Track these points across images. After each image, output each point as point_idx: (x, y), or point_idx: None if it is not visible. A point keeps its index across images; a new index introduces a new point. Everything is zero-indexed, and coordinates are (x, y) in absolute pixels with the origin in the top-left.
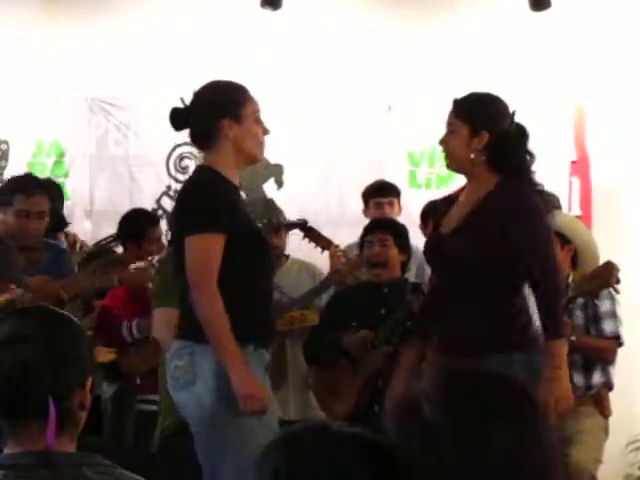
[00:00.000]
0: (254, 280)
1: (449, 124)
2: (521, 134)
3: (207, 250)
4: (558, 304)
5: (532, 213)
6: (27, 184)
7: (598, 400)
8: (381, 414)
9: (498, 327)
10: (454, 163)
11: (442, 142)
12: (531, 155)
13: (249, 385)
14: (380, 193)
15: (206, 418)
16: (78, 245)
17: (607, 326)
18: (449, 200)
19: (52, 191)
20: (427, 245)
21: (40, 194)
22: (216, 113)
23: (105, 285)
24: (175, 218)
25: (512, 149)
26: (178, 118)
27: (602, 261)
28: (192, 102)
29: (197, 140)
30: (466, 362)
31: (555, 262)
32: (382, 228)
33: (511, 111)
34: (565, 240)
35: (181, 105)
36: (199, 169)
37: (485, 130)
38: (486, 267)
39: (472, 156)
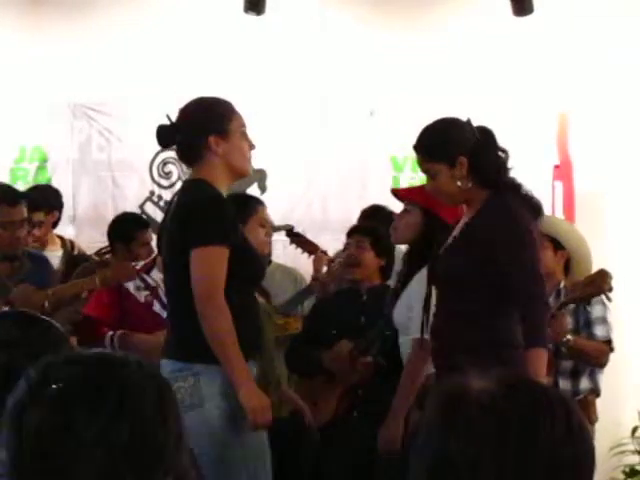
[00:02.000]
0: (245, 293)
1: (426, 171)
2: (488, 136)
3: (215, 262)
4: (542, 314)
5: (516, 229)
6: (7, 194)
7: (585, 406)
8: (360, 420)
9: (477, 348)
10: (448, 199)
11: (431, 189)
12: (504, 152)
13: (258, 398)
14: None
15: (214, 439)
16: (76, 251)
17: (598, 331)
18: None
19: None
20: (428, 266)
21: (21, 202)
22: (202, 130)
23: (88, 288)
24: (178, 231)
25: (490, 157)
26: (165, 135)
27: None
28: (178, 119)
29: (185, 157)
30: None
31: (540, 275)
32: (360, 232)
33: (465, 119)
34: (559, 246)
35: (167, 121)
36: (198, 182)
37: (460, 155)
38: (471, 285)
39: (459, 184)
